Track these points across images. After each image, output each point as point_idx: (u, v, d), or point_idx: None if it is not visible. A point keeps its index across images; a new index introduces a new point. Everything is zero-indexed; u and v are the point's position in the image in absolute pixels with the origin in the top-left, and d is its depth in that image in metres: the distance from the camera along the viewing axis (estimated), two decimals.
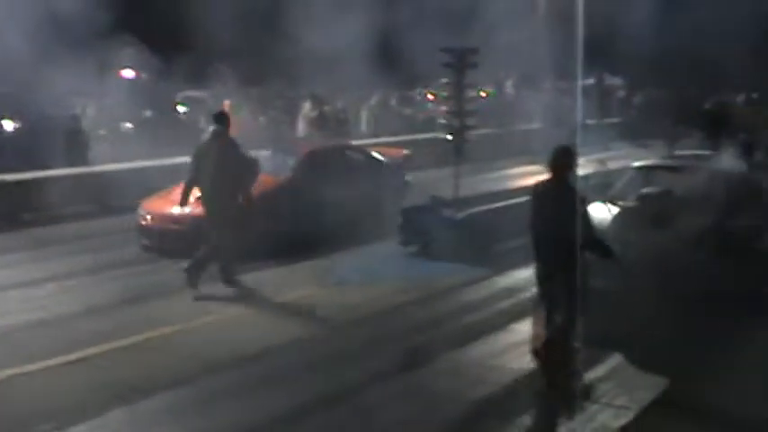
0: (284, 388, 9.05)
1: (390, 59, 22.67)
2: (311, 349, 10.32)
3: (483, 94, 28.75)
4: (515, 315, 11.58)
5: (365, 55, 20.06)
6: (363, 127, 26.39)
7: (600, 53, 32.73)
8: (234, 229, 12.60)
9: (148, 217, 15.00)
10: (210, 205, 12.60)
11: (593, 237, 9.18)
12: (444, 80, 17.04)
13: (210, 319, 11.36)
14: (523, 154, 26.89)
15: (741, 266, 11.93)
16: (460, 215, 15.07)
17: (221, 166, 12.41)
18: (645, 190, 13.53)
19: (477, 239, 14.49)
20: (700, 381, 9.30)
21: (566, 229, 8.66)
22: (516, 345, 10.41)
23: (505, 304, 12.25)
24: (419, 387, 9.21)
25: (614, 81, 41.60)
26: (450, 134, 16.64)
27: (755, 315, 11.14)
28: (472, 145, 17.43)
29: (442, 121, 17.08)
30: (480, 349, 10.41)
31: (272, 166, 16.07)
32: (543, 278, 9.14)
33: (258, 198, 13.33)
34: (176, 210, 13.78)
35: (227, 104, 23.32)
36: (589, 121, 19.63)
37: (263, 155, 16.25)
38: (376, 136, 25.35)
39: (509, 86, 33.58)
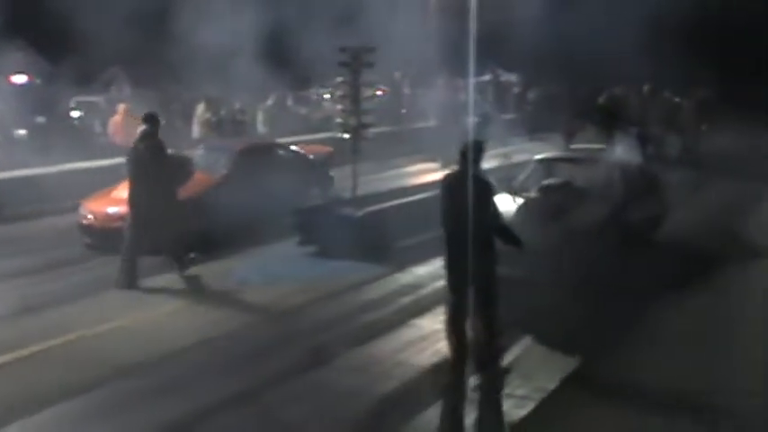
0: (188, 390, 9.00)
1: (285, 60, 22.64)
2: (214, 351, 10.27)
3: (379, 93, 28.89)
4: (416, 311, 11.72)
5: (260, 56, 20.02)
6: (260, 128, 26.20)
7: (495, 50, 33.23)
8: (160, 228, 12.84)
9: (90, 216, 15.16)
10: (138, 204, 12.87)
11: (502, 225, 9.71)
12: (340, 79, 17.08)
13: (113, 325, 11.17)
14: (420, 152, 27.13)
15: (640, 254, 12.85)
16: (359, 214, 15.12)
17: (151, 166, 12.76)
18: (546, 181, 14.12)
19: (376, 237, 14.55)
20: (606, 363, 9.82)
21: (477, 219, 9.10)
22: (418, 340, 10.55)
23: (406, 301, 12.33)
24: (323, 385, 9.25)
25: (510, 77, 42.10)
26: (347, 133, 16.68)
27: (655, 299, 11.83)
28: (369, 143, 17.52)
29: (339, 120, 17.13)
30: (382, 346, 10.48)
31: (205, 164, 16.57)
32: (457, 278, 9.45)
33: (195, 196, 14.27)
34: (116, 208, 14.33)
35: (122, 108, 22.99)
36: (488, 114, 20.09)
37: (196, 153, 16.95)
38: (272, 137, 25.23)
39: (404, 85, 33.75)
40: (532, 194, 13.80)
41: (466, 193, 9.21)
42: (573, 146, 20.35)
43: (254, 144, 18.83)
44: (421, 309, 11.82)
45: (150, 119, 13.14)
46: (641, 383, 9.15)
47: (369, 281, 13.28)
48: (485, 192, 9.36)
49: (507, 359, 9.92)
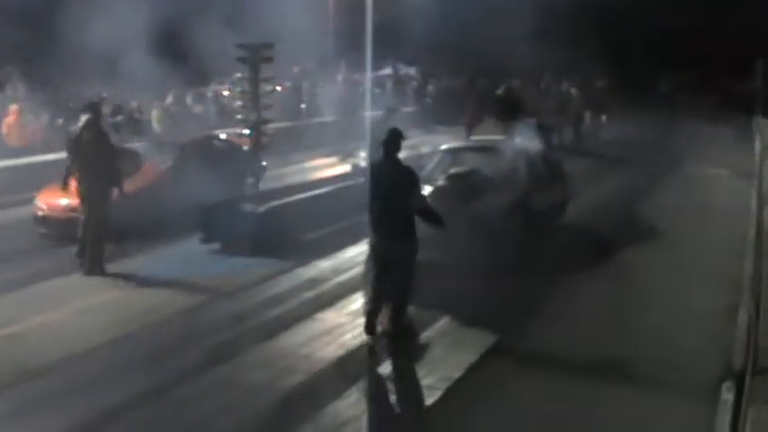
0: (94, 391, 8.93)
1: (183, 56, 22.47)
2: (119, 351, 10.21)
3: (279, 88, 28.87)
4: (319, 305, 11.84)
5: (157, 52, 19.85)
6: (155, 127, 25.91)
7: (394, 44, 33.39)
8: (106, 216, 13.46)
9: (44, 207, 15.79)
10: (85, 192, 13.35)
11: (425, 206, 10.57)
12: (239, 75, 17.03)
13: (17, 328, 10.98)
14: (320, 146, 27.22)
15: (545, 239, 13.73)
16: (261, 209, 15.14)
17: (94, 154, 13.24)
18: (453, 170, 14.48)
19: (279, 233, 14.62)
20: (517, 339, 10.59)
21: (401, 202, 10.17)
22: (322, 334, 10.66)
23: (310, 295, 12.41)
24: (230, 380, 9.29)
25: (409, 71, 42.31)
26: (247, 129, 16.67)
27: (560, 280, 12.80)
28: (269, 139, 17.53)
29: (239, 116, 17.08)
30: (287, 340, 10.56)
31: (151, 157, 17.47)
32: (380, 252, 10.45)
33: (144, 186, 15.39)
34: (68, 200, 14.71)
35: (14, 109, 22.63)
36: (394, 108, 20.37)
37: (142, 147, 18.24)
38: (167, 136, 25.03)
39: (303, 79, 33.71)
40: (440, 182, 14.05)
41: (390, 178, 10.26)
42: (474, 137, 20.70)
43: (196, 137, 19.81)
44: (324, 302, 11.94)
45: (92, 107, 13.76)
46: (553, 356, 9.92)
47: (272, 276, 13.31)
48: (408, 177, 10.32)
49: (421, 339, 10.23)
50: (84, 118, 13.51)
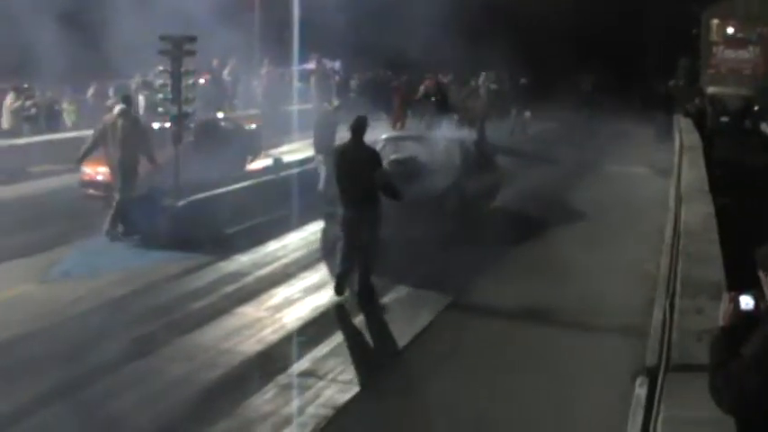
0: (10, 387, 8.74)
1: (103, 49, 22.19)
2: (36, 344, 10.01)
3: (201, 81, 28.64)
4: (241, 299, 11.80)
5: (76, 44, 19.59)
6: (67, 119, 25.58)
7: (318, 38, 33.29)
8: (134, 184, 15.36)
9: (89, 172, 17.60)
10: (119, 165, 15.22)
11: (388, 182, 11.98)
12: (161, 68, 16.86)
13: None
14: None
15: (478, 218, 15.59)
16: (181, 203, 15.03)
17: (129, 136, 15.25)
18: (393, 156, 15.80)
19: (199, 226, 14.53)
20: (466, 298, 12.26)
21: (366, 178, 11.64)
22: (242, 328, 10.64)
23: (230, 288, 12.36)
24: (150, 374, 9.23)
25: (333, 65, 42.25)
26: (168, 122, 16.51)
27: (493, 252, 14.24)
28: (191, 132, 17.41)
29: (160, 109, 16.91)
30: (208, 334, 10.52)
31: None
32: (349, 223, 11.75)
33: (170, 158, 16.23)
34: (103, 168, 16.49)
35: None
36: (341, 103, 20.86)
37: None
38: (77, 128, 24.76)
39: (225, 73, 33.45)
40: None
41: (356, 157, 11.83)
42: (398, 132, 21.37)
43: (206, 119, 21.28)
44: (244, 297, 11.91)
45: (126, 99, 16.41)
46: (495, 310, 11.70)
47: (192, 270, 13.22)
48: (372, 156, 12.08)
49: (326, 348, 10.16)
50: (118, 107, 15.77)
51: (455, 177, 15.76)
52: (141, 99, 26.18)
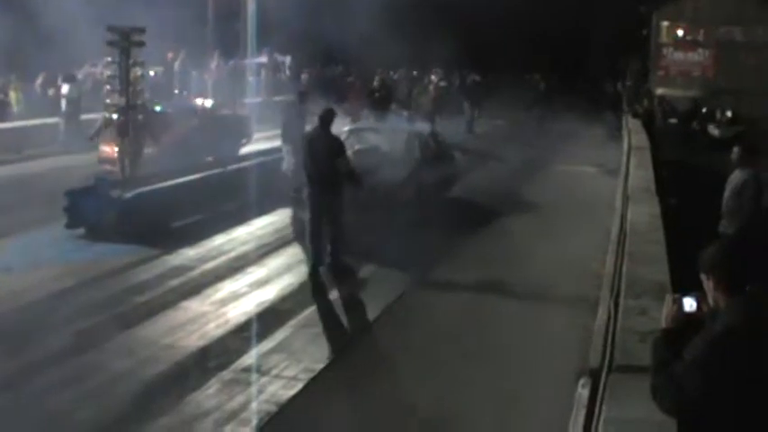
0: None
1: (54, 39, 22.00)
2: None
3: (152, 73, 28.46)
4: (185, 293, 11.70)
5: (25, 33, 19.41)
6: (14, 106, 25.30)
7: (269, 32, 33.17)
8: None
9: (107, 149, 18.98)
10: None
11: (350, 169, 13.13)
12: (109, 59, 16.70)
13: None
14: None
15: (434, 206, 16.27)
16: (128, 195, 14.88)
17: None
18: (357, 146, 16.92)
19: (146, 219, 14.39)
20: (424, 279, 13.09)
21: (331, 163, 12.73)
22: (186, 323, 10.55)
23: (175, 283, 12.25)
24: (91, 369, 9.09)
25: (284, 59, 42.18)
26: (116, 113, 16.35)
27: (449, 237, 15.11)
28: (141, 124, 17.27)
29: (108, 100, 16.75)
30: (151, 328, 10.40)
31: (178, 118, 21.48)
32: (315, 206, 12.81)
33: (177, 139, 19.50)
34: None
35: None
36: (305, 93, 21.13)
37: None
38: (23, 118, 24.58)
39: (176, 65, 33.25)
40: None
41: (323, 144, 12.86)
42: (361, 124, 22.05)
43: (208, 106, 24.65)
44: (189, 291, 11.81)
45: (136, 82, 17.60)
46: (456, 286, 12.62)
47: (137, 263, 13.09)
48: (336, 144, 13.08)
49: (272, 343, 10.13)
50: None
51: (413, 167, 16.56)
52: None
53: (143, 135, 17.92)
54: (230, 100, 29.17)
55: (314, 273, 12.73)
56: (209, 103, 25.56)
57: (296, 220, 15.20)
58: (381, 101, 29.13)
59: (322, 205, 12.86)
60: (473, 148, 26.29)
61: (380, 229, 14.25)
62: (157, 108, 21.51)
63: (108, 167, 18.63)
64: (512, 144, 29.82)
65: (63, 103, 24.95)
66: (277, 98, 33.13)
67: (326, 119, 13.21)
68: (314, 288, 12.33)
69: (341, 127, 17.27)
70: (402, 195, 15.25)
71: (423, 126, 21.90)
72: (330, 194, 12.82)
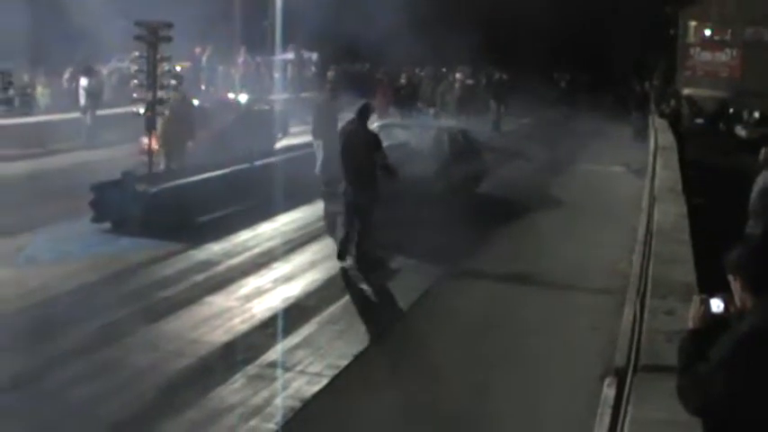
0: None
1: (80, 34, 22.11)
2: (0, 331, 9.88)
3: (178, 68, 28.62)
4: (209, 288, 11.73)
5: (52, 29, 19.51)
6: (41, 101, 25.43)
7: (296, 28, 33.20)
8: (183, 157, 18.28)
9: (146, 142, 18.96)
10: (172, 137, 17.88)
11: (387, 163, 13.34)
12: (136, 53, 16.76)
13: None
14: None
15: (465, 201, 16.49)
16: (154, 190, 14.92)
17: (176, 112, 17.72)
18: (387, 142, 15.97)
19: (172, 214, 14.44)
20: (462, 267, 13.47)
21: (368, 158, 13.06)
22: (211, 318, 10.57)
23: (200, 278, 12.28)
24: (116, 362, 9.12)
25: (310, 56, 42.23)
26: (144, 108, 16.40)
27: (481, 230, 15.36)
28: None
29: (135, 95, 16.80)
30: (176, 323, 10.44)
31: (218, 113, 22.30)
32: (350, 195, 13.13)
33: (217, 133, 20.32)
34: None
35: None
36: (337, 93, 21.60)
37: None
38: (51, 112, 24.68)
39: (203, 61, 33.37)
40: None
41: (360, 139, 13.21)
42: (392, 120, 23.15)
43: (249, 101, 26.05)
44: (214, 286, 11.84)
45: (177, 78, 18.59)
46: (489, 278, 12.99)
47: (162, 258, 13.14)
48: (374, 139, 13.44)
49: (296, 339, 10.13)
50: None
51: (443, 163, 16.78)
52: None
53: (185, 128, 18.15)
54: (258, 96, 29.27)
55: (341, 258, 13.15)
56: (243, 97, 26.41)
57: (327, 213, 15.27)
58: (407, 98, 29.25)
59: (357, 198, 13.12)
60: (499, 147, 26.21)
61: (408, 224, 14.14)
62: (195, 102, 21.76)
63: (144, 158, 18.93)
64: (538, 143, 29.71)
65: (82, 96, 24.92)
66: (304, 95, 33.16)
67: (364, 113, 13.64)
68: (340, 283, 12.36)
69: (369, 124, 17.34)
70: (431, 190, 15.31)
71: (451, 122, 22.14)
72: (366, 187, 13.10)
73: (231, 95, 26.29)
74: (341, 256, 13.15)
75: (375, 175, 13.20)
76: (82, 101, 24.82)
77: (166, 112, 17.46)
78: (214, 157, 17.96)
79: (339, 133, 14.08)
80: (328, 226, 15.11)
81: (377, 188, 13.21)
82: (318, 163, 18.39)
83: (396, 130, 18.63)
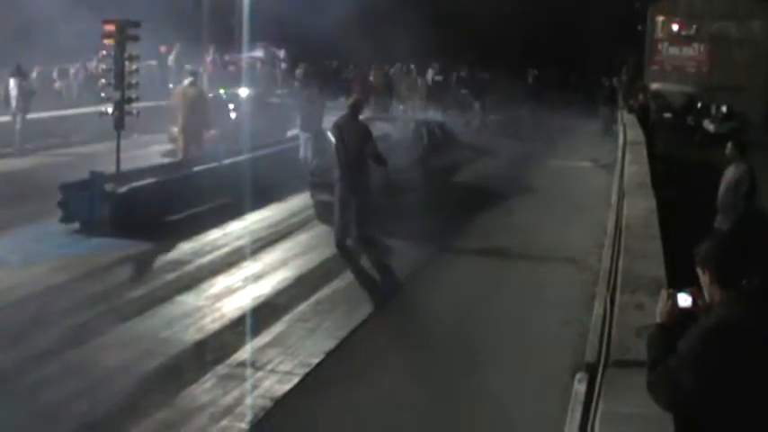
0: None
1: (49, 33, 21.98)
2: None
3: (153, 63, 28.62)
4: (181, 287, 11.69)
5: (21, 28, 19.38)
6: (12, 103, 25.07)
7: (264, 27, 33.09)
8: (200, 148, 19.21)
9: (175, 129, 20.46)
10: (188, 128, 19.07)
11: (377, 152, 14.27)
12: (104, 52, 16.64)
13: None
14: None
15: (442, 190, 17.69)
16: (122, 189, 14.83)
17: (195, 104, 18.92)
18: None
19: (140, 213, 14.37)
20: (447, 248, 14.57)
21: (360, 147, 14.08)
22: (181, 317, 10.53)
23: (170, 277, 12.24)
24: (88, 362, 9.08)
25: (278, 53, 42.19)
26: (111, 108, 16.29)
27: (457, 217, 16.55)
28: (133, 118, 17.18)
29: (103, 94, 16.68)
30: (146, 323, 10.39)
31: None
32: (344, 181, 14.10)
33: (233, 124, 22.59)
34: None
35: None
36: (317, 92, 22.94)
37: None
38: (25, 111, 24.26)
39: (170, 59, 33.22)
40: None
41: (353, 131, 14.24)
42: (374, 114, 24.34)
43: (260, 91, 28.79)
44: (184, 285, 11.80)
45: (193, 73, 20.42)
46: (470, 258, 14.05)
47: (131, 258, 13.08)
48: (365, 130, 14.41)
49: (267, 337, 10.12)
50: (187, 80, 19.64)
51: (420, 153, 17.68)
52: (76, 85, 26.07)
53: (204, 119, 19.10)
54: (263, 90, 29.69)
55: (340, 246, 14.01)
56: (243, 92, 26.99)
57: (316, 202, 16.16)
58: (381, 95, 29.40)
59: (350, 184, 14.06)
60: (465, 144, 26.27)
61: (391, 211, 14.84)
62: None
63: (169, 147, 21.70)
64: (507, 139, 29.78)
65: (13, 99, 23.57)
66: (278, 92, 33.23)
67: (356, 107, 14.79)
68: (310, 281, 12.31)
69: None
70: (406, 179, 15.78)
71: (432, 116, 24.25)
72: (358, 174, 14.09)
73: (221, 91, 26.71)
74: (340, 243, 14.07)
75: (366, 163, 14.23)
76: (13, 103, 23.55)
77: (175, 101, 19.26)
78: (230, 146, 18.94)
79: (333, 126, 14.85)
80: (318, 214, 15.95)
81: (367, 173, 14.28)
82: (302, 152, 19.95)
83: (377, 123, 19.12)
